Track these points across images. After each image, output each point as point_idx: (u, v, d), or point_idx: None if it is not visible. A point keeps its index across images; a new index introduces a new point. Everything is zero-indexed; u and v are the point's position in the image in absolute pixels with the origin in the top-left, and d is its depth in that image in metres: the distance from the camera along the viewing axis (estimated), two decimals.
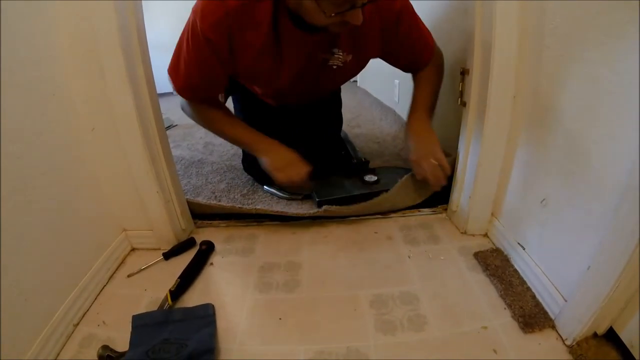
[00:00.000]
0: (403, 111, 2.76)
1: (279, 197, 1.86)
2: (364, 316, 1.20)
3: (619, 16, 0.86)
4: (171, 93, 4.17)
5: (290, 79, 1.64)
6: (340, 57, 1.62)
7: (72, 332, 1.18)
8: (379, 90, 3.39)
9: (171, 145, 2.55)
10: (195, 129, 3.00)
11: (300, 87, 1.75)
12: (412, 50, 1.67)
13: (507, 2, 1.18)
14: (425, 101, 1.69)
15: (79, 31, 1.18)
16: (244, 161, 2.09)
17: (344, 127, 2.72)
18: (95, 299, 1.30)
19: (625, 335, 0.98)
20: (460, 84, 1.42)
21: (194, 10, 1.39)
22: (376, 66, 1.97)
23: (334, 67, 1.64)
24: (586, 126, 1.00)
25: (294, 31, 1.45)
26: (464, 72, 1.39)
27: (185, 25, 1.44)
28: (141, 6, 1.31)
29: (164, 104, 3.40)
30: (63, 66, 1.20)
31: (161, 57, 4.04)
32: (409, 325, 1.16)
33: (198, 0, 1.39)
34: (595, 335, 1.04)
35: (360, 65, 1.74)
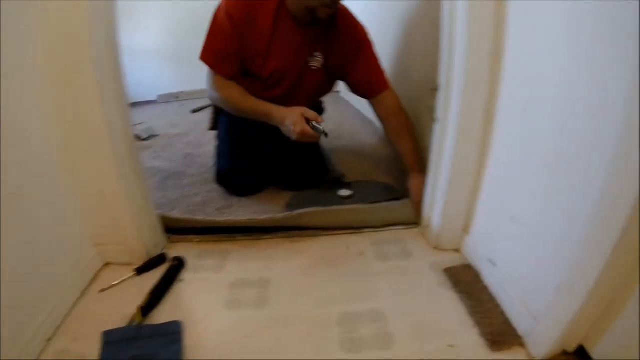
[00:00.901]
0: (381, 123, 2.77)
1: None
2: (330, 334, 1.19)
3: None
4: (154, 101, 4.22)
5: (275, 67, 1.85)
6: (319, 59, 1.91)
7: (45, 347, 1.16)
8: (361, 101, 3.39)
9: (151, 156, 2.61)
10: (176, 139, 2.96)
11: (285, 82, 1.93)
12: (375, 73, 1.97)
13: (479, 19, 1.19)
14: (419, 157, 1.86)
15: (54, 46, 1.17)
16: (217, 174, 2.09)
17: (324, 139, 2.73)
18: (69, 314, 1.28)
19: (596, 353, 0.98)
20: (433, 100, 1.42)
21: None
22: None
23: (313, 68, 1.92)
24: (557, 145, 1.00)
25: (289, 24, 1.79)
26: (436, 89, 1.39)
27: (215, 13, 1.78)
28: (116, 22, 1.31)
29: (146, 113, 3.41)
30: (38, 81, 1.19)
31: (149, 61, 4.08)
32: (375, 343, 1.15)
33: None
34: (564, 353, 1.04)
35: (330, 76, 2.02)
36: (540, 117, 1.07)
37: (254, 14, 1.74)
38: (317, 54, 1.90)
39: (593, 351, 0.99)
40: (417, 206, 1.69)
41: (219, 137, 2.15)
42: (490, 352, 1.11)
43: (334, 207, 1.71)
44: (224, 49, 1.80)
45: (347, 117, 3.27)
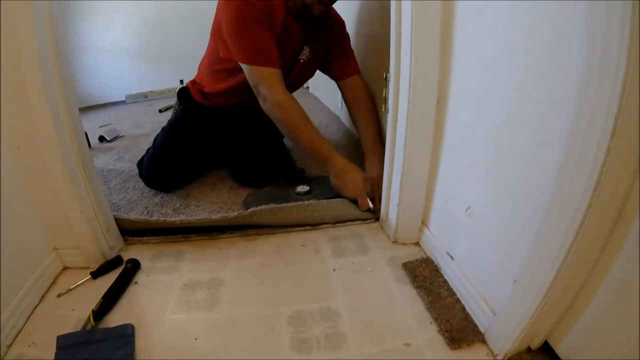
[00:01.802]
0: (346, 118, 2.80)
1: None
2: (280, 335, 1.15)
3: None
4: (123, 102, 4.18)
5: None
6: (306, 53, 1.98)
7: (5, 353, 1.14)
8: (328, 97, 3.40)
9: (114, 157, 2.57)
10: (140, 139, 2.92)
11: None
12: (350, 57, 2.09)
13: (428, 6, 1.16)
14: (377, 136, 1.93)
15: (4, 48, 1.14)
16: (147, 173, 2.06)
17: None
18: (28, 318, 1.26)
19: (562, 350, 0.96)
20: (384, 90, 1.39)
21: (228, 4, 1.71)
22: None
23: (301, 61, 1.99)
24: (511, 133, 0.97)
25: (294, 19, 1.83)
26: (387, 78, 1.36)
27: (222, 20, 1.76)
28: (63, 24, 1.28)
29: (114, 114, 3.38)
30: None
31: (117, 61, 4.04)
32: (326, 343, 1.11)
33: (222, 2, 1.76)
34: (529, 349, 1.01)
35: (313, 66, 2.10)
36: (488, 106, 1.05)
37: (270, 6, 1.74)
38: (306, 47, 1.97)
39: (558, 348, 0.97)
40: (378, 182, 1.65)
41: (167, 127, 2.15)
42: (449, 350, 1.07)
43: (287, 204, 1.67)
44: (265, 40, 1.73)
45: (314, 112, 3.27)
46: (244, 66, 1.75)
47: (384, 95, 1.41)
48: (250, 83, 1.77)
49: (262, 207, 1.63)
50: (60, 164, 1.28)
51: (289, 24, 1.82)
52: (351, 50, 2.10)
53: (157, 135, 2.12)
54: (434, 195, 1.39)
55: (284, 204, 1.67)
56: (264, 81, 1.73)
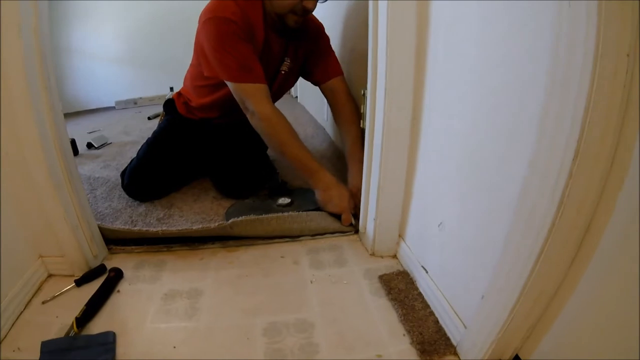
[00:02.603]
0: (331, 130, 2.81)
1: None
2: (254, 345, 1.17)
3: None
4: (112, 107, 4.18)
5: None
6: (287, 64, 1.99)
7: None
8: (315, 107, 3.41)
9: (101, 165, 2.58)
10: (128, 147, 2.93)
11: None
12: (331, 61, 2.07)
13: (402, 25, 1.19)
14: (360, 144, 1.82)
15: None
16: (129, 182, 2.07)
17: None
18: (13, 324, 1.27)
19: None
20: (362, 106, 1.42)
21: (208, 14, 1.69)
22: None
23: (283, 72, 2.00)
24: (478, 149, 1.00)
25: (273, 32, 1.83)
26: (364, 95, 1.39)
27: (202, 40, 1.76)
28: (48, 33, 1.28)
29: (103, 119, 3.39)
30: None
31: (107, 67, 4.04)
32: (300, 354, 1.13)
33: (204, 10, 1.73)
34: None
35: (294, 74, 2.11)
36: (456, 122, 1.07)
37: (249, 21, 1.72)
38: (287, 58, 1.97)
39: None
40: (357, 193, 1.68)
41: (150, 139, 2.18)
42: None
43: (267, 216, 1.69)
44: (248, 56, 1.73)
45: (301, 122, 3.29)
46: (229, 83, 1.76)
47: (362, 111, 1.44)
48: (237, 99, 1.78)
49: (242, 218, 1.64)
50: (44, 172, 1.29)
51: (269, 37, 1.82)
52: (331, 53, 2.09)
53: (141, 147, 2.14)
54: (410, 209, 1.41)
55: (263, 215, 1.68)
56: (250, 97, 1.74)
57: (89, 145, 2.95)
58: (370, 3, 1.26)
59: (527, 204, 0.81)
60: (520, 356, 1.00)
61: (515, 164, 0.86)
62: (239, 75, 1.73)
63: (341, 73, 2.07)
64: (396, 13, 1.18)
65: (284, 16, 1.71)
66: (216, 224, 1.65)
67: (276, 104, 1.96)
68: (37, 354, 1.15)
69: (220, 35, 1.69)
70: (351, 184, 1.79)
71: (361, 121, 1.45)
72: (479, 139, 0.99)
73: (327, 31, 2.05)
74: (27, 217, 1.38)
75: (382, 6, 1.20)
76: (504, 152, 0.90)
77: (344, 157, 2.02)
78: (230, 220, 1.64)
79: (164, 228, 1.73)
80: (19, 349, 1.19)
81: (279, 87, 2.08)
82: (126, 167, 2.11)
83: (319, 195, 1.76)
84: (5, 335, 1.23)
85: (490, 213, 0.97)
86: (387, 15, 1.18)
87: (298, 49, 1.99)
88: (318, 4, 1.74)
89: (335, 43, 2.21)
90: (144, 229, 1.71)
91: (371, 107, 1.35)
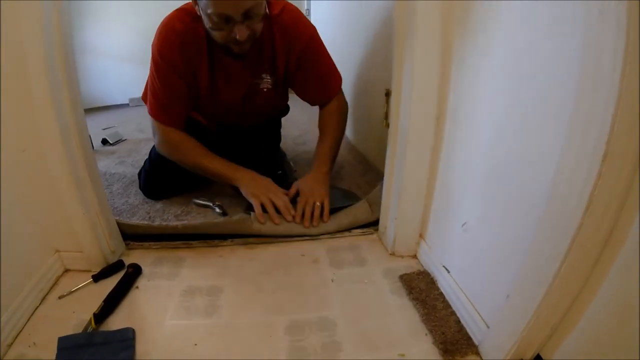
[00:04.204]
0: (350, 132, 2.78)
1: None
2: (278, 343, 1.17)
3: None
4: (126, 105, 4.20)
5: (223, 102, 1.86)
6: (267, 80, 1.87)
7: (6, 353, 1.15)
8: None
9: (116, 161, 2.59)
10: (142, 144, 2.95)
11: (238, 111, 1.93)
12: (320, 82, 1.94)
13: (429, 25, 1.18)
14: (326, 156, 1.90)
15: (10, 53, 1.15)
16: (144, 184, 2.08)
17: (289, 144, 2.72)
18: (29, 319, 1.27)
19: None
20: (385, 105, 1.41)
21: (155, 36, 1.66)
22: None
23: (265, 89, 1.88)
24: (505, 150, 0.99)
25: (224, 57, 1.71)
26: (388, 94, 1.38)
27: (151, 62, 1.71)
28: (70, 28, 1.28)
29: (117, 116, 3.40)
30: None
31: (121, 65, 4.05)
32: (322, 352, 1.13)
33: (158, 27, 1.67)
34: None
35: (281, 89, 1.98)
36: (483, 123, 1.07)
37: (188, 52, 1.67)
38: (264, 75, 1.86)
39: None
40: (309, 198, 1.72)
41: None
42: None
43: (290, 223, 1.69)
44: (172, 97, 1.75)
45: (314, 123, 3.25)
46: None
47: (384, 110, 1.43)
48: (152, 130, 1.86)
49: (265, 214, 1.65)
50: (65, 168, 1.29)
51: (222, 63, 1.75)
52: (323, 67, 1.92)
53: (153, 146, 2.08)
54: (432, 209, 1.41)
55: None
56: (158, 130, 1.82)
57: (104, 142, 2.97)
58: (395, 4, 1.26)
59: (554, 207, 0.81)
60: (542, 356, 0.99)
61: (542, 165, 0.85)
62: (156, 114, 1.79)
63: (338, 90, 2.00)
64: (423, 15, 1.18)
65: (226, 46, 1.60)
66: (238, 216, 1.67)
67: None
68: (53, 350, 1.13)
69: (157, 70, 1.70)
70: (300, 186, 1.79)
71: (384, 120, 1.44)
72: (505, 139, 0.99)
73: (345, 31, 1.97)
74: (43, 212, 1.38)
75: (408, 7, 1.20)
76: (531, 153, 0.90)
77: (365, 162, 2.02)
78: (252, 214, 1.65)
79: (180, 223, 1.72)
80: (34, 344, 1.18)
81: (265, 105, 1.99)
82: (141, 169, 2.11)
83: (244, 190, 1.77)
84: (21, 330, 1.23)
85: (515, 214, 0.97)
86: (415, 18, 1.18)
87: (277, 64, 1.83)
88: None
89: (353, 42, 2.20)
90: (163, 224, 1.71)
91: (395, 107, 1.34)
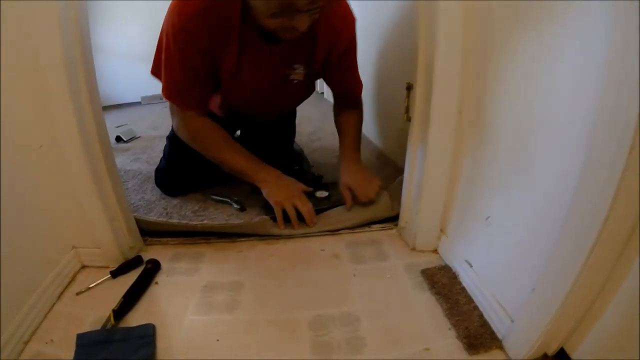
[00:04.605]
0: (366, 127, 2.74)
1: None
2: (301, 338, 1.16)
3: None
4: (138, 103, 4.20)
5: (248, 91, 1.70)
6: (300, 72, 1.72)
7: (23, 350, 1.14)
8: None
9: (131, 158, 2.59)
10: (157, 141, 2.94)
11: (260, 102, 1.82)
12: (352, 79, 1.87)
13: (451, 18, 1.17)
14: (355, 144, 1.88)
15: (23, 49, 1.15)
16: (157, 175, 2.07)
17: (304, 140, 2.72)
18: (45, 316, 1.26)
19: (577, 357, 0.96)
20: (406, 99, 1.40)
21: (170, 11, 1.46)
22: None
23: (295, 82, 1.74)
24: (530, 142, 0.99)
25: (256, 40, 1.53)
26: (409, 87, 1.37)
27: (163, 31, 1.52)
28: (87, 23, 1.28)
29: (130, 114, 3.40)
30: (8, 85, 1.16)
31: (134, 63, 4.06)
32: (347, 347, 1.12)
33: (172, 3, 1.47)
34: (545, 356, 1.01)
35: (311, 80, 1.86)
36: (508, 115, 1.06)
37: (214, 27, 1.46)
38: (298, 66, 1.70)
39: (574, 354, 0.97)
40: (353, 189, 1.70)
41: (171, 135, 1.99)
42: (467, 356, 1.08)
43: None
44: (192, 78, 1.57)
45: (328, 119, 3.25)
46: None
47: (405, 104, 1.41)
48: (170, 109, 1.74)
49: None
50: (83, 163, 1.28)
51: (255, 46, 1.55)
52: (355, 67, 1.84)
53: (166, 144, 2.06)
54: (454, 203, 1.39)
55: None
56: (176, 115, 1.71)
57: (118, 139, 2.97)
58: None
59: (581, 200, 0.81)
60: (566, 349, 0.99)
61: (568, 158, 0.85)
62: (173, 96, 1.64)
63: (360, 88, 1.93)
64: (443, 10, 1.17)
65: (275, 30, 1.40)
66: (258, 219, 1.65)
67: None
68: (71, 346, 1.12)
69: (177, 40, 1.48)
70: (351, 184, 1.74)
71: (405, 114, 1.42)
72: (531, 131, 0.98)
73: (360, 24, 1.89)
74: (61, 208, 1.37)
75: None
76: (557, 145, 0.89)
77: (382, 156, 2.00)
78: (271, 216, 1.66)
79: (200, 220, 1.73)
80: (52, 340, 1.18)
81: (292, 97, 1.94)
82: (158, 166, 2.09)
83: (264, 193, 1.71)
84: (37, 327, 1.22)
85: (541, 208, 0.96)
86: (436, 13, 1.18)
87: (315, 56, 1.68)
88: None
89: (372, 34, 2.18)
90: (183, 222, 1.70)
91: (419, 100, 1.33)
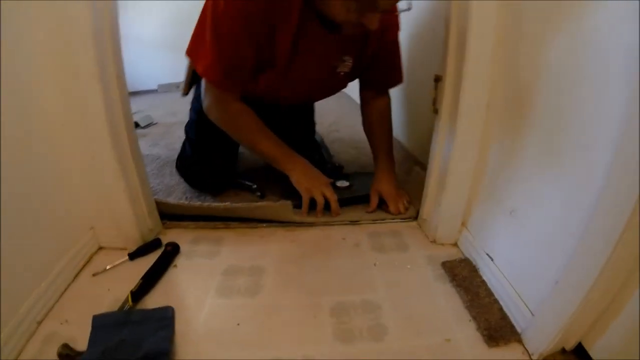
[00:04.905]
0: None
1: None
2: (323, 324, 1.17)
3: None
4: (155, 90, 4.22)
5: (298, 77, 1.63)
6: (348, 64, 1.68)
7: (36, 329, 1.14)
8: None
9: (149, 143, 2.61)
10: (175, 127, 2.96)
11: (299, 91, 1.77)
12: (396, 67, 1.81)
13: (483, 11, 1.16)
14: (389, 152, 1.85)
15: (55, 29, 1.14)
16: (178, 160, 2.07)
17: (323, 131, 2.72)
18: (61, 296, 1.26)
19: (595, 352, 0.96)
20: (434, 90, 1.40)
21: None
22: None
23: (341, 74, 1.71)
24: (559, 135, 0.98)
25: (316, 26, 1.46)
26: (438, 79, 1.37)
27: (207, 9, 1.43)
28: (117, 7, 1.28)
29: (146, 101, 3.39)
30: (36, 62, 1.17)
31: (150, 51, 4.07)
32: (369, 334, 1.13)
33: None
34: (563, 350, 1.02)
35: (355, 75, 1.81)
36: (538, 109, 1.06)
37: (273, 11, 1.38)
38: (347, 57, 1.66)
39: (592, 349, 0.97)
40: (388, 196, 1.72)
41: (195, 117, 1.92)
42: (487, 348, 1.08)
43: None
44: (239, 61, 1.48)
45: (347, 110, 3.28)
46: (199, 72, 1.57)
47: (433, 96, 1.41)
48: (202, 91, 1.67)
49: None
50: (108, 144, 1.28)
51: (314, 32, 1.48)
52: (399, 60, 1.80)
53: (187, 128, 2.02)
54: (477, 197, 1.40)
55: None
56: (212, 97, 1.63)
57: (136, 125, 2.95)
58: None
59: (609, 193, 0.81)
60: (584, 344, 0.99)
61: (599, 150, 0.85)
62: (215, 77, 1.54)
63: (402, 80, 1.86)
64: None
65: (342, 23, 1.36)
66: (280, 202, 1.66)
67: None
68: (86, 327, 1.11)
69: (228, 17, 1.38)
70: (383, 192, 1.74)
71: (432, 106, 1.42)
72: (559, 125, 0.98)
73: None
74: (81, 187, 1.36)
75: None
76: (585, 138, 0.89)
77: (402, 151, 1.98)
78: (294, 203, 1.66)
79: (223, 203, 1.73)
80: (67, 321, 1.17)
81: (333, 89, 1.89)
82: (180, 153, 2.06)
83: (292, 180, 1.69)
84: (52, 307, 1.22)
85: (567, 202, 0.96)
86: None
87: (366, 48, 1.65)
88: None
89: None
90: (205, 204, 1.71)
91: (448, 92, 1.33)
